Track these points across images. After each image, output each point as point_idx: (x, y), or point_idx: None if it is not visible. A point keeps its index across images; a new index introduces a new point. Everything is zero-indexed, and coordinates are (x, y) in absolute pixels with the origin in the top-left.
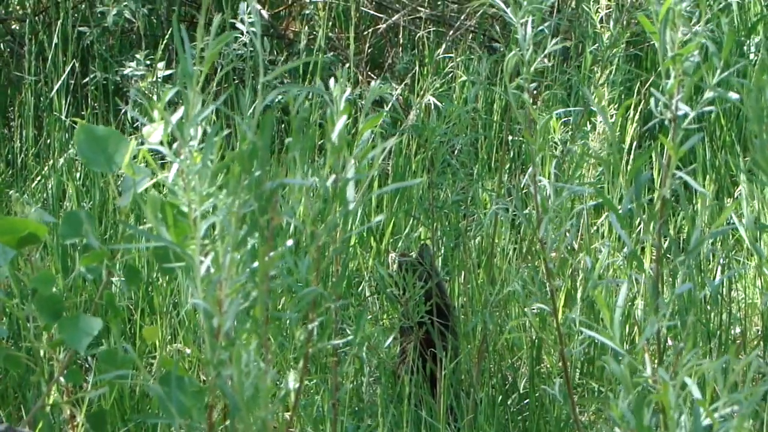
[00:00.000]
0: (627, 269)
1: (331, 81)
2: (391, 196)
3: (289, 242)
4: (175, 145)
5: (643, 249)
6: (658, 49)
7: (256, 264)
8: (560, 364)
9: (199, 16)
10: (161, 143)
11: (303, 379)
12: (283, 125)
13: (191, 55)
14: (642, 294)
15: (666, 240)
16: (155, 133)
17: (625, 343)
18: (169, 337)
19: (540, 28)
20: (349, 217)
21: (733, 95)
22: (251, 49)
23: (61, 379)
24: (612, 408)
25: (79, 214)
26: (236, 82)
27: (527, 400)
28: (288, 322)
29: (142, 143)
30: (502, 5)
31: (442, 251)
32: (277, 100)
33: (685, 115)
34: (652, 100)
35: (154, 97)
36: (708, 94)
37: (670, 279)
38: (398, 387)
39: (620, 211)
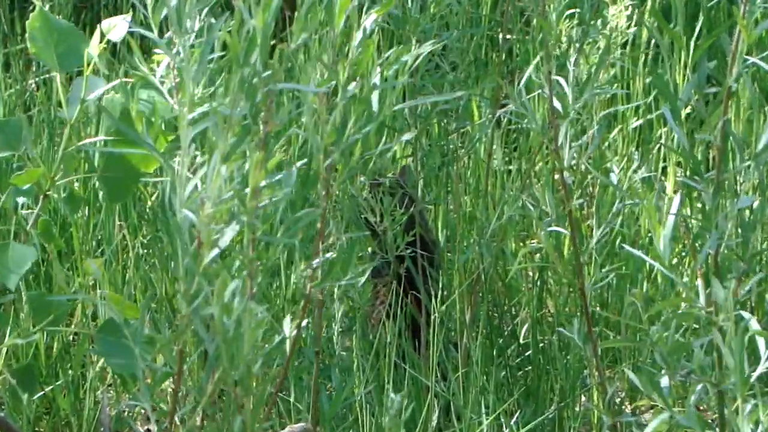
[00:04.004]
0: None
1: None
2: (359, 115)
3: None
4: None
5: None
6: None
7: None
8: (567, 308)
9: None
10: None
11: (300, 325)
12: None
13: None
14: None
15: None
16: (117, 27)
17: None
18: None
19: None
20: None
21: None
22: None
23: None
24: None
25: (17, 121)
26: None
27: (529, 353)
28: (279, 248)
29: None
30: None
31: (422, 174)
32: None
33: None
34: None
35: None
36: None
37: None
38: (375, 336)
39: (679, 102)
